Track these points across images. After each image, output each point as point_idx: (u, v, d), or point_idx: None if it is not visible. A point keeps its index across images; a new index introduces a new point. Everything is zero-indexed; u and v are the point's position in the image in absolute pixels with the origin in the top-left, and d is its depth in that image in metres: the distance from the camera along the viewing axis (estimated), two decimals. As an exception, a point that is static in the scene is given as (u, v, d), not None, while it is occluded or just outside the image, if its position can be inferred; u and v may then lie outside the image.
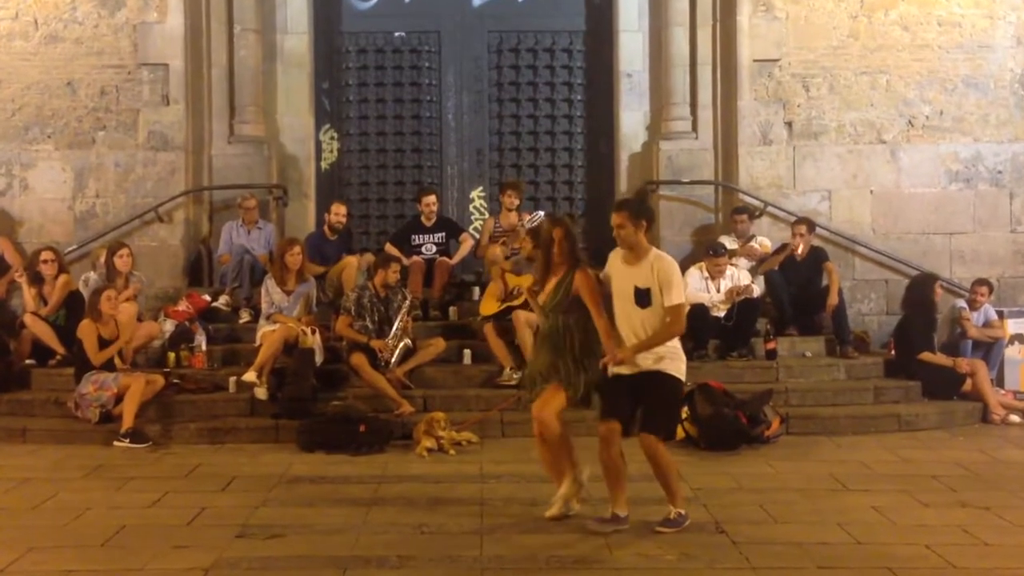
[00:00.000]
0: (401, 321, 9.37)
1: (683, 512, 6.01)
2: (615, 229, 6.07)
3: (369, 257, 10.73)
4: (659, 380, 5.95)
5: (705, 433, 8.36)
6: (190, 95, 11.51)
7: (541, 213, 10.99)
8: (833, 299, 10.41)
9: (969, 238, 11.62)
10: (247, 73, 11.79)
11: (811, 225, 10.87)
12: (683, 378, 6.07)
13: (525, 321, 9.44)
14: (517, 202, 10.98)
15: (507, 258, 10.42)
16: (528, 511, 6.43)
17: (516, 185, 11.15)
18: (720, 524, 6.10)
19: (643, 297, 5.94)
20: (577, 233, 6.30)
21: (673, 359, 5.98)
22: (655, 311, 5.92)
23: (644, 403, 5.97)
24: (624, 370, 5.98)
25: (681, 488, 6.17)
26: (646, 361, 5.94)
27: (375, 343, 9.24)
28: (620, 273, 6.07)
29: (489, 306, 10.07)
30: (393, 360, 9.27)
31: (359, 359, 9.13)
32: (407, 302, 9.51)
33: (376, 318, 9.43)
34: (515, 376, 9.37)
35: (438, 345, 9.68)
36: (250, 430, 8.85)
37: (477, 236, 11.43)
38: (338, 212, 11.02)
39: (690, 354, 9.06)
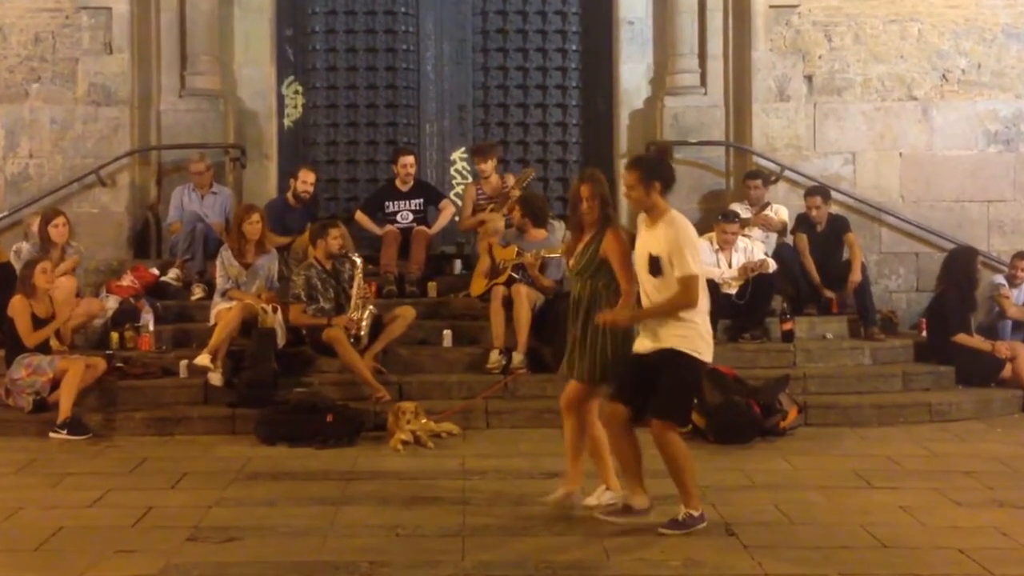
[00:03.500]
0: (358, 289, 9.33)
1: (695, 514, 5.98)
2: (625, 190, 6.07)
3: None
4: (670, 358, 5.92)
5: (714, 424, 8.35)
6: (136, 43, 11.43)
7: (530, 171, 10.96)
8: (856, 275, 10.40)
9: (1009, 206, 11.63)
10: (200, 18, 11.68)
11: (826, 195, 10.83)
12: (702, 358, 5.98)
13: (525, 296, 9.41)
14: (492, 165, 10.88)
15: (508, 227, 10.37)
16: (515, 510, 6.42)
17: (483, 150, 10.99)
18: (730, 526, 6.09)
19: (655, 265, 5.94)
20: (607, 190, 6.28)
21: (690, 336, 5.92)
22: (667, 281, 5.90)
23: (657, 384, 5.96)
24: (642, 347, 6.01)
25: (696, 486, 6.10)
26: (662, 338, 5.92)
27: (337, 321, 9.19)
28: (641, 238, 6.08)
29: (478, 284, 10.05)
30: (363, 333, 9.23)
31: (335, 333, 9.06)
32: (359, 267, 9.45)
33: (332, 295, 9.38)
34: (503, 362, 9.35)
35: (406, 314, 9.55)
36: (203, 420, 8.82)
37: (460, 203, 11.37)
38: (305, 180, 10.92)
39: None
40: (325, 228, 9.55)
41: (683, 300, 5.87)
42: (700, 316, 5.96)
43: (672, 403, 6.00)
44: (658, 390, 5.95)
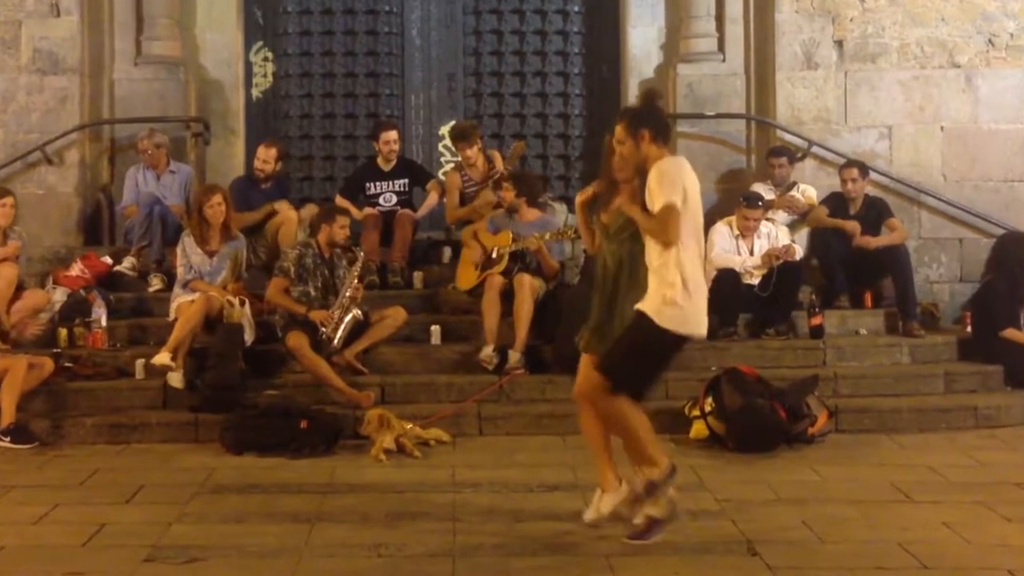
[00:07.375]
0: (350, 289, 9.30)
1: (656, 479, 5.90)
2: (616, 146, 6.04)
3: (312, 209, 10.63)
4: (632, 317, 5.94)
5: (734, 430, 8.35)
6: (86, 4, 11.42)
7: (520, 144, 10.92)
8: (881, 240, 10.44)
9: (1064, 187, 11.63)
10: (158, -24, 11.68)
11: (864, 169, 10.82)
12: (660, 324, 5.82)
13: (529, 287, 9.39)
14: (477, 149, 10.77)
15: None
16: (511, 528, 6.42)
17: (466, 135, 10.82)
18: (752, 544, 6.09)
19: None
20: None
21: (653, 299, 5.84)
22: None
23: None
24: None
25: (654, 443, 6.06)
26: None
27: (315, 314, 9.16)
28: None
29: (467, 276, 10.00)
30: (338, 336, 9.20)
31: (298, 340, 9.05)
32: (358, 265, 9.43)
33: (320, 284, 9.37)
34: (496, 360, 9.33)
35: (397, 316, 9.59)
36: (162, 426, 8.82)
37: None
38: (261, 156, 10.85)
39: (715, 331, 9.12)
40: (333, 214, 9.55)
41: (658, 229, 5.79)
42: (685, 279, 5.83)
43: (612, 360, 5.94)
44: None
